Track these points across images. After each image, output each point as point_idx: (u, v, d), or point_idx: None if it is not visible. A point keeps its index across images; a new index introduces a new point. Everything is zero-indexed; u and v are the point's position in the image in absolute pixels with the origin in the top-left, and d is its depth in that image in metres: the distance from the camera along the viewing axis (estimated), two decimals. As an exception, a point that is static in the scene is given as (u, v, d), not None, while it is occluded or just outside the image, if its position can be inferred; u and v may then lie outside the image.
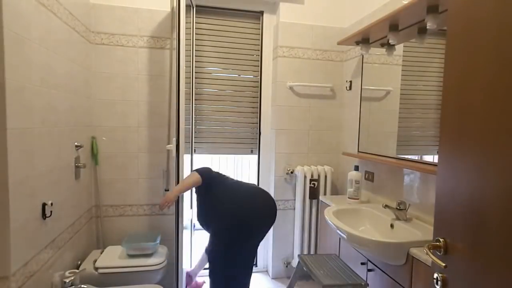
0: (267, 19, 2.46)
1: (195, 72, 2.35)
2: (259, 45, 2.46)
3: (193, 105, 2.34)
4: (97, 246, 2.15)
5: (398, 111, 1.79)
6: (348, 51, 2.41)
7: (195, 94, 2.37)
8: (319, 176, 2.36)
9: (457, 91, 0.85)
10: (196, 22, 2.32)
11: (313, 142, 2.47)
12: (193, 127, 2.36)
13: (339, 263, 1.65)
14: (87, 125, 2.03)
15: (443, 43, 1.13)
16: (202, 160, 2.48)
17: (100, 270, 1.77)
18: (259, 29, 2.45)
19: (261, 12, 2.43)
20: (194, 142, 2.39)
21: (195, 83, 2.35)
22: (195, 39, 2.32)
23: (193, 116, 2.35)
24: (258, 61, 2.48)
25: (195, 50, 2.34)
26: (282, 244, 2.47)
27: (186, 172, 1.97)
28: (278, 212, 2.41)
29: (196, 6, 2.29)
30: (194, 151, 2.40)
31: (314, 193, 2.35)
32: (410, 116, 1.74)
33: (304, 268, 1.64)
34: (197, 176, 1.78)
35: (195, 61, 2.34)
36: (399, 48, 1.80)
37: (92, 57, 2.07)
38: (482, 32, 0.77)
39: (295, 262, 2.41)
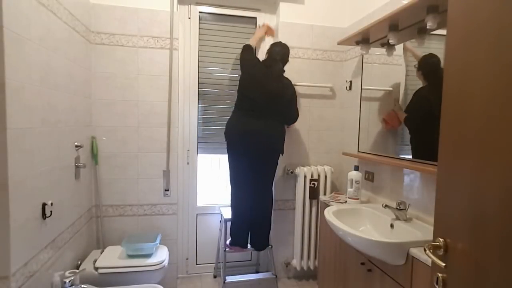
0: (267, 19, 2.46)
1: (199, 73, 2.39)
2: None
3: (199, 106, 2.40)
4: (97, 246, 2.15)
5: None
6: (348, 51, 2.41)
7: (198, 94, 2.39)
8: (319, 176, 2.36)
9: (457, 92, 0.85)
10: (200, 28, 2.37)
11: (313, 142, 2.47)
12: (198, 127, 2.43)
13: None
14: (87, 125, 2.03)
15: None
16: (203, 160, 2.48)
17: (100, 270, 1.77)
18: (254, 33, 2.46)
19: (255, 18, 2.47)
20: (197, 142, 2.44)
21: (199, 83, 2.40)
22: (200, 40, 2.38)
23: (199, 116, 2.41)
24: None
25: (200, 51, 2.38)
26: (282, 244, 2.47)
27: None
28: (278, 212, 2.43)
29: (200, 12, 2.37)
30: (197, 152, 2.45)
31: (314, 193, 2.35)
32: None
33: None
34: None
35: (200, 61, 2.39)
36: (400, 48, 1.80)
37: (92, 57, 2.07)
38: (482, 36, 0.77)
39: (295, 262, 2.41)
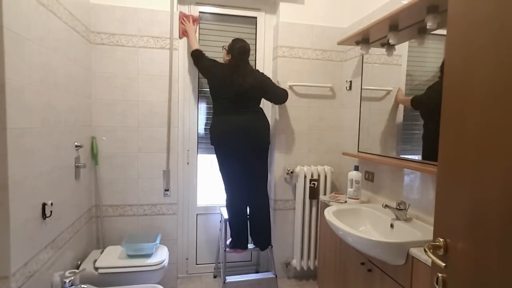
0: (267, 19, 2.46)
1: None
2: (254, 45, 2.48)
3: (199, 106, 2.41)
4: (97, 246, 2.15)
5: (403, 111, 1.78)
6: (348, 51, 2.41)
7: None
8: (319, 176, 2.36)
9: (457, 92, 0.85)
10: (200, 28, 2.37)
11: (313, 142, 2.47)
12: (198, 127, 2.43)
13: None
14: (87, 125, 2.03)
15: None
16: (203, 160, 2.48)
17: (100, 270, 1.77)
18: (254, 33, 2.47)
19: (255, 18, 2.47)
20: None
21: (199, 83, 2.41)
22: (200, 40, 2.35)
23: (199, 116, 2.42)
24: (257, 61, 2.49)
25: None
26: (282, 244, 2.46)
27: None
28: (278, 211, 2.43)
29: (200, 12, 2.37)
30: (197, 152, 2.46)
31: (314, 193, 2.35)
32: (413, 115, 1.74)
33: None
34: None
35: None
36: (400, 48, 1.80)
37: (92, 57, 2.07)
38: (482, 35, 0.77)
39: (295, 262, 2.41)
